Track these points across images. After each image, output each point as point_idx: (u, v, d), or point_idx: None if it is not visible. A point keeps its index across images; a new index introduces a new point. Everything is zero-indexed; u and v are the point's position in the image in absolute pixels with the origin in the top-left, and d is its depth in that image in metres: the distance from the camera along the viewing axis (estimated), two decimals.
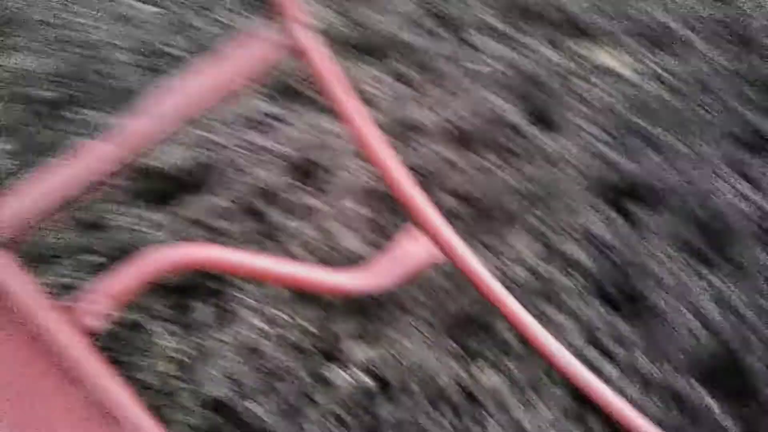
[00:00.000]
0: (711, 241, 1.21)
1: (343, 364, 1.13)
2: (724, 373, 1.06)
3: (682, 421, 1.02)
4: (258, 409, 1.09)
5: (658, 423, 1.00)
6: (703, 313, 1.11)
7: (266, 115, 1.45)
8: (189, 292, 1.23)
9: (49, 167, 0.73)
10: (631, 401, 1.01)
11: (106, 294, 0.74)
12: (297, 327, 1.16)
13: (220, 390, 1.09)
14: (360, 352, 1.13)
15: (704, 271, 1.17)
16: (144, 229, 1.28)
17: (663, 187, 1.27)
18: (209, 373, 1.11)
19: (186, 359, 1.14)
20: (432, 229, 1.15)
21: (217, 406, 1.09)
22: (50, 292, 0.62)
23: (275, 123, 1.43)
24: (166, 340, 1.16)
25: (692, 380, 1.05)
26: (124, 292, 0.77)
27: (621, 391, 1.03)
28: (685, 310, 1.10)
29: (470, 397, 1.07)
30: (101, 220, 1.28)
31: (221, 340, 1.16)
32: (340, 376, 1.10)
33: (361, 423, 1.08)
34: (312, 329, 1.16)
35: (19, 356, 0.65)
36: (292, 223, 1.27)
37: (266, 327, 1.17)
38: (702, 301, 1.12)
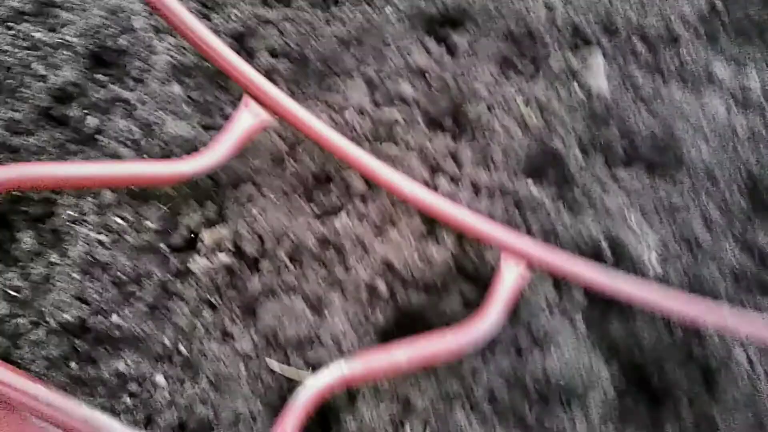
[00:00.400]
0: (523, 53, 1.27)
1: (197, 251, 1.07)
2: (545, 166, 1.17)
3: (520, 216, 1.12)
4: (120, 320, 1.02)
5: (506, 222, 1.09)
6: (520, 116, 1.19)
7: (43, 4, 1.20)
8: (9, 223, 1.07)
9: None
10: (475, 210, 1.09)
11: None
12: (139, 229, 1.07)
13: (71, 314, 1.00)
14: (212, 234, 1.08)
15: (518, 79, 1.23)
16: None
17: (478, 11, 1.28)
18: (54, 300, 1.01)
19: (21, 294, 1.02)
20: (261, 94, 1.08)
21: (73, 329, 1.01)
22: None
23: (58, 12, 1.19)
24: None
25: (522, 178, 1.15)
26: None
27: (465, 204, 1.10)
28: (505, 117, 1.17)
29: (331, 245, 1.08)
30: None
31: (58, 264, 1.04)
32: (197, 264, 1.06)
33: (234, 302, 1.07)
34: (155, 226, 1.07)
35: None
36: (108, 123, 1.12)
37: (105, 237, 1.06)
38: (518, 106, 1.20)
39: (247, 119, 1.06)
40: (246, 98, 1.09)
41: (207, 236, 1.08)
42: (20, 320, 1.01)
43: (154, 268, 1.06)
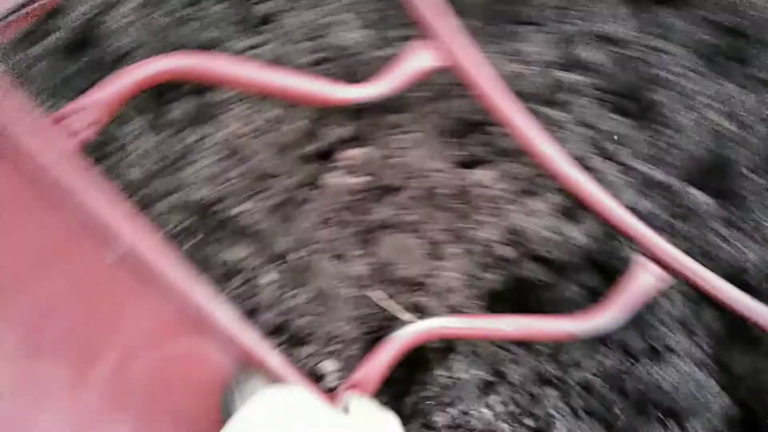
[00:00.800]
0: (731, 48, 1.13)
1: (333, 166, 1.05)
2: (715, 176, 1.05)
3: (673, 217, 1.03)
4: (244, 211, 1.03)
5: (651, 220, 1.01)
6: (708, 118, 1.07)
7: None
8: (167, 93, 1.08)
9: None
10: (625, 202, 1.00)
11: (94, 103, 0.70)
12: (284, 129, 1.06)
13: (203, 192, 1.02)
14: (351, 154, 1.06)
15: (716, 78, 1.10)
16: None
17: None
18: (191, 175, 1.02)
19: (164, 161, 1.04)
20: (439, 33, 1.01)
21: (198, 210, 1.02)
22: None
23: None
24: (142, 141, 1.04)
25: (687, 183, 1.05)
26: (110, 102, 0.71)
27: (616, 192, 1.02)
28: (690, 114, 1.06)
29: (464, 197, 1.03)
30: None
31: (202, 140, 1.05)
32: (329, 179, 1.04)
33: (355, 226, 1.05)
34: (299, 132, 1.06)
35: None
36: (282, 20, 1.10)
37: (249, 128, 1.06)
38: (708, 106, 1.08)
39: (423, 59, 1.00)
40: (424, 40, 1.03)
41: (346, 155, 1.05)
42: (146, 191, 1.03)
43: (288, 170, 1.05)
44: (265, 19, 1.14)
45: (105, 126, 0.77)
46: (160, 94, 1.08)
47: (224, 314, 0.71)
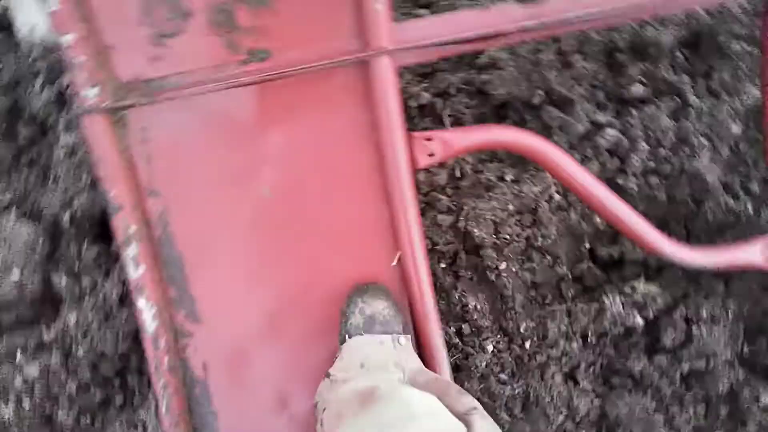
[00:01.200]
0: None
1: (621, 289, 0.98)
2: None
3: None
4: (505, 271, 1.00)
5: None
6: None
7: None
8: None
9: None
10: None
11: (447, 141, 0.74)
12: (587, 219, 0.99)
13: (481, 231, 1.00)
14: (646, 287, 0.98)
15: None
16: None
17: None
18: (483, 209, 1.01)
19: (475, 187, 1.06)
20: None
21: (474, 246, 1.02)
22: None
23: None
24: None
25: None
26: (463, 147, 0.76)
27: None
28: None
29: None
30: None
31: (507, 181, 1.05)
32: (610, 299, 0.96)
33: (604, 356, 0.97)
34: (600, 230, 0.98)
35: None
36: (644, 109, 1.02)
37: (555, 197, 1.02)
38: None
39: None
40: None
41: (641, 286, 0.98)
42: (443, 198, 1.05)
43: (569, 260, 1.02)
44: (632, 102, 1.05)
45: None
46: None
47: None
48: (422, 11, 1.10)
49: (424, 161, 0.74)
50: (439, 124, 1.07)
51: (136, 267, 0.76)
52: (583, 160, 1.03)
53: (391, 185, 0.73)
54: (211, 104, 0.73)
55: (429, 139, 0.74)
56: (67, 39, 0.68)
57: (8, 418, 1.05)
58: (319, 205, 0.77)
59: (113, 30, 0.70)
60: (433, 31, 0.71)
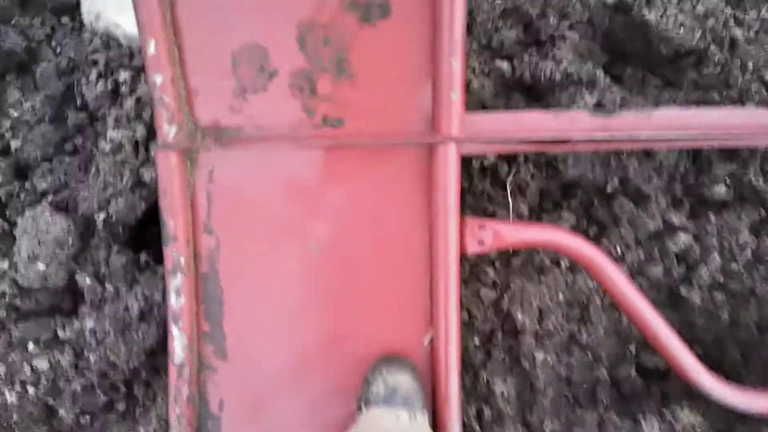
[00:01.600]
0: None
1: (658, 416, 1.14)
2: None
3: None
4: (542, 361, 1.19)
5: None
6: None
7: None
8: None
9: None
10: None
11: (499, 233, 0.95)
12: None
13: (522, 315, 1.19)
14: (687, 416, 1.14)
15: None
16: None
17: None
18: (525, 298, 1.21)
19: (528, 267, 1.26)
20: None
21: (513, 329, 1.22)
22: None
23: None
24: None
25: None
26: (515, 242, 0.97)
27: None
28: None
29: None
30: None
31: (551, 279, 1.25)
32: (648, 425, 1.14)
33: None
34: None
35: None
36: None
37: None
38: None
39: None
40: None
41: (682, 413, 1.14)
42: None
43: (610, 362, 1.20)
44: (712, 204, 1.22)
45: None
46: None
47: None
48: (503, 63, 1.30)
49: (473, 248, 0.94)
50: (499, 187, 1.27)
51: (177, 297, 0.99)
52: (647, 260, 1.20)
53: (435, 266, 0.94)
54: (279, 159, 0.95)
55: (482, 227, 0.94)
56: (158, 79, 0.92)
57: (11, 402, 1.31)
58: (362, 269, 0.98)
59: (201, 77, 0.94)
60: (503, 127, 0.92)
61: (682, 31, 1.22)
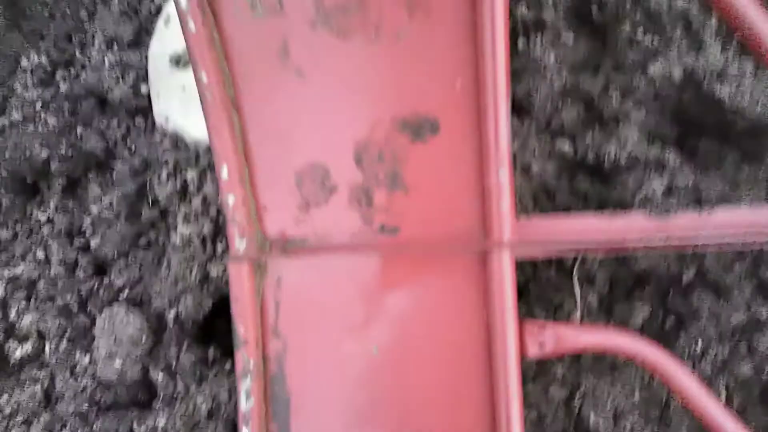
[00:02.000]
0: None
1: None
2: None
3: None
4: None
5: None
6: None
7: None
8: None
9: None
10: None
11: (561, 336, 1.11)
12: None
13: (595, 418, 1.36)
14: None
15: None
16: None
17: None
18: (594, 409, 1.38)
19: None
20: None
21: (583, 425, 1.38)
22: None
23: None
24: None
25: None
26: (577, 347, 1.12)
27: None
28: None
29: None
30: None
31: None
32: None
33: None
34: None
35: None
36: None
37: None
38: None
39: None
40: None
41: None
42: None
43: None
44: None
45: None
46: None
47: None
48: (564, 144, 1.48)
49: (533, 351, 1.11)
50: (564, 275, 1.43)
51: (247, 399, 1.21)
52: (732, 356, 1.32)
53: (496, 372, 1.11)
54: (340, 266, 1.17)
55: (542, 328, 1.11)
56: (231, 200, 1.17)
57: None
58: (420, 372, 1.17)
59: (268, 194, 1.18)
60: (556, 231, 1.10)
61: (759, 108, 1.37)
